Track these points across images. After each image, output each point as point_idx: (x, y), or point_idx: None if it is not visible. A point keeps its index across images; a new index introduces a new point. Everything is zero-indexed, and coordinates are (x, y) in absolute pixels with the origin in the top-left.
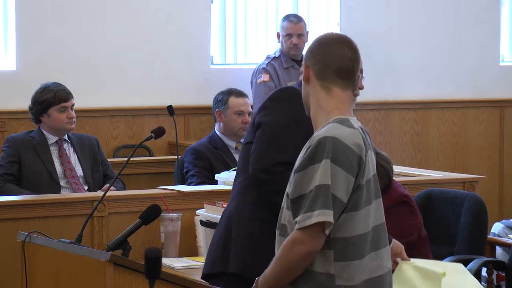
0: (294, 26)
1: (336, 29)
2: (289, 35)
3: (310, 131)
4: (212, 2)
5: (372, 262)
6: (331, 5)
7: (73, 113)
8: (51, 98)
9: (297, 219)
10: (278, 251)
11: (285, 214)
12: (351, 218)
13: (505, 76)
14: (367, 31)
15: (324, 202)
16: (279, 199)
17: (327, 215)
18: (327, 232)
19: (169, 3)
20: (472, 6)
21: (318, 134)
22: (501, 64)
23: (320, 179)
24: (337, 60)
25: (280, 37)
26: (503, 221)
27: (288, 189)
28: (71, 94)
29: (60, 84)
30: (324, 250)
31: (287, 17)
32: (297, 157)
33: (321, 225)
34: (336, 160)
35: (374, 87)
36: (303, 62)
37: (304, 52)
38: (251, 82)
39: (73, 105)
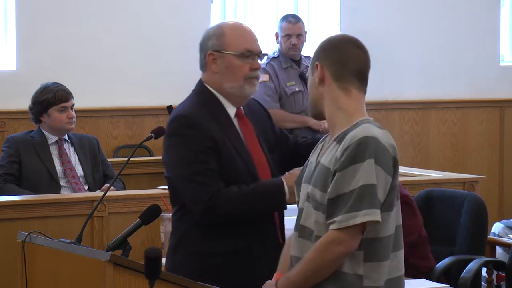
0: (292, 26)
1: (336, 29)
2: (288, 36)
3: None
4: (212, 2)
5: (391, 263)
6: (331, 5)
7: (73, 113)
8: (51, 98)
9: (336, 219)
10: (309, 252)
11: (310, 214)
12: (384, 218)
13: (505, 76)
14: (367, 31)
15: (371, 201)
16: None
17: (375, 215)
18: (380, 234)
19: (169, 3)
20: (472, 6)
21: (355, 134)
22: (501, 64)
23: (365, 179)
24: (355, 61)
25: (279, 38)
26: (503, 221)
27: (320, 188)
28: (71, 94)
29: (60, 84)
30: (354, 251)
31: (286, 18)
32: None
33: (362, 225)
34: (378, 161)
35: (374, 87)
36: (316, 63)
37: (305, 53)
38: None
39: (73, 105)
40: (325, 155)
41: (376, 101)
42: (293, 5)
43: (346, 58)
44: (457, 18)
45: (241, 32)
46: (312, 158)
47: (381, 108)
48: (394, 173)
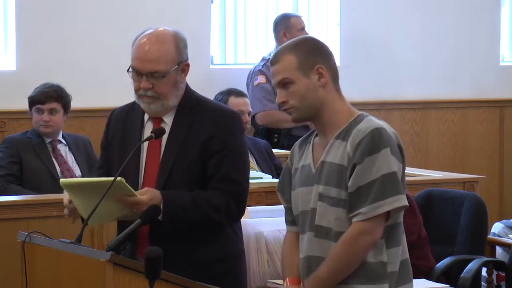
0: (302, 21)
1: (336, 29)
2: (302, 29)
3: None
4: (212, 2)
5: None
6: (331, 5)
7: (49, 117)
8: (32, 97)
9: (361, 210)
10: (336, 248)
11: (326, 213)
12: None
13: (505, 76)
14: (367, 31)
15: (396, 188)
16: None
17: (403, 200)
18: (399, 219)
19: (169, 3)
20: (472, 6)
21: (364, 127)
22: (501, 64)
23: (385, 168)
24: (336, 65)
25: (287, 35)
26: (503, 221)
27: (335, 185)
28: (55, 98)
29: (53, 86)
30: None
31: (290, 14)
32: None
33: (387, 213)
34: (391, 150)
35: (374, 87)
36: (317, 65)
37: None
38: (247, 84)
39: (53, 109)
40: (330, 153)
41: (376, 101)
42: (293, 5)
43: (334, 61)
44: (457, 18)
45: (136, 46)
46: (299, 163)
47: (381, 108)
48: (402, 159)
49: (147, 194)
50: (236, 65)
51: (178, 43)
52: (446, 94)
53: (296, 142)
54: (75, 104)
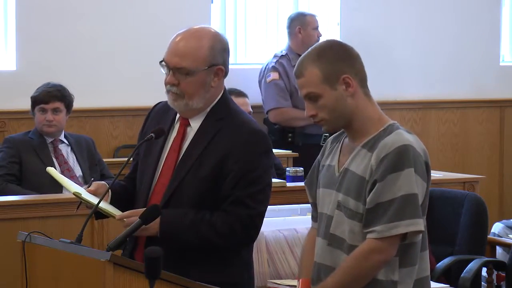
0: (317, 20)
1: (336, 29)
2: (316, 28)
3: None
4: (212, 2)
5: (420, 264)
6: (331, 5)
7: (52, 116)
8: (35, 97)
9: (376, 228)
10: (347, 261)
11: (342, 223)
12: None
13: (505, 76)
14: (367, 31)
15: (413, 211)
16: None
17: (419, 225)
18: (416, 239)
19: (169, 3)
20: (472, 6)
21: (391, 142)
22: (501, 64)
23: (406, 188)
24: (363, 66)
25: (301, 32)
26: (503, 221)
27: (354, 196)
28: (59, 97)
29: (56, 85)
30: None
31: (306, 12)
32: None
33: (404, 234)
34: (416, 169)
35: (374, 87)
36: (343, 76)
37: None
38: (259, 81)
39: (57, 108)
40: (355, 162)
41: (376, 101)
42: (293, 5)
43: (361, 64)
44: (457, 18)
45: (172, 38)
46: (327, 161)
47: (381, 108)
48: (428, 177)
49: (140, 210)
50: (236, 65)
51: (215, 44)
52: (446, 94)
53: (330, 137)
54: (75, 104)
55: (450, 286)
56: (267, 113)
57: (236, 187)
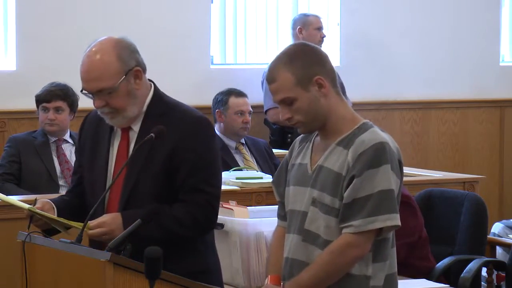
0: (321, 21)
1: (336, 29)
2: (319, 28)
3: None
4: (212, 2)
5: (390, 260)
6: (331, 5)
7: (54, 115)
8: (38, 95)
9: (353, 223)
10: (322, 256)
11: (317, 219)
12: None
13: (505, 76)
14: (367, 31)
15: (390, 206)
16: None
17: (395, 219)
18: (388, 235)
19: (169, 3)
20: (472, 6)
21: (367, 139)
22: (501, 64)
23: (384, 184)
24: (333, 66)
25: (302, 32)
26: (503, 221)
27: (330, 192)
28: (61, 96)
29: (60, 85)
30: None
31: (310, 13)
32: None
33: (379, 229)
34: (392, 166)
35: (374, 87)
36: (315, 77)
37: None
38: (262, 82)
39: (59, 107)
40: (330, 159)
41: (376, 101)
42: (293, 5)
43: (331, 65)
44: (457, 18)
45: (80, 66)
46: (297, 160)
47: (381, 108)
48: (401, 175)
49: (104, 219)
50: (236, 65)
51: (120, 53)
52: (446, 94)
53: (298, 138)
54: None
55: (450, 286)
56: (265, 112)
57: (190, 175)
